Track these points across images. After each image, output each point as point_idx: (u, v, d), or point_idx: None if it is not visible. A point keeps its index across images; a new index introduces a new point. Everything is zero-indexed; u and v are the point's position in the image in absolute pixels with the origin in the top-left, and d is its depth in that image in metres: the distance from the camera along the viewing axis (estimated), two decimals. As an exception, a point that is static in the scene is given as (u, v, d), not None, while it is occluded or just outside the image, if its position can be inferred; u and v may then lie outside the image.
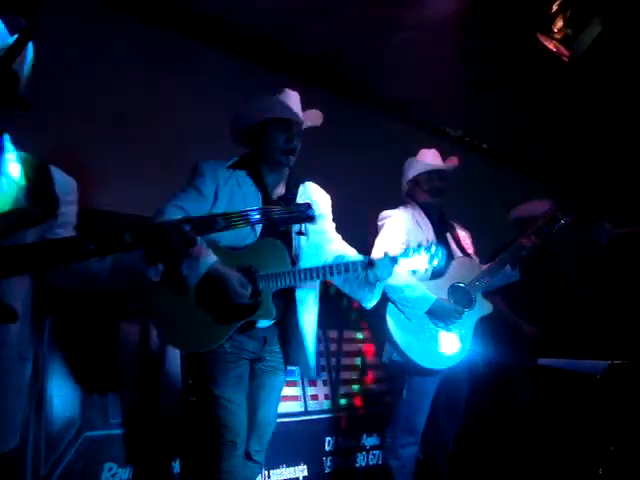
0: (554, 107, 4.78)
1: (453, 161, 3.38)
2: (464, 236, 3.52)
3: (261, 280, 2.43)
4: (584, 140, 5.35)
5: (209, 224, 1.80)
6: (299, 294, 2.58)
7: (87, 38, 3.20)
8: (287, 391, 2.74)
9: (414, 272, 2.97)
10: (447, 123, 5.31)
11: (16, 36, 1.58)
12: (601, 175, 5.75)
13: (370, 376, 4.49)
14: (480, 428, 3.99)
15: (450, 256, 3.31)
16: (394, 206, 3.38)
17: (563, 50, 3.36)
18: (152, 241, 1.70)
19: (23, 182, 1.75)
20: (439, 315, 3.14)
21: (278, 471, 3.72)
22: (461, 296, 3.22)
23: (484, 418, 4.02)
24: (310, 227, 2.58)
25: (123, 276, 1.81)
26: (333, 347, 4.31)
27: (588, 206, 5.22)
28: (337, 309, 4.31)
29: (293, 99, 2.66)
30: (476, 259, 3.45)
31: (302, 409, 4.02)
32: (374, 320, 4.47)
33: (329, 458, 4.09)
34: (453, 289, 3.23)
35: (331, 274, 2.52)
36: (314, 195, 2.68)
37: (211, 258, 2.34)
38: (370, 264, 2.54)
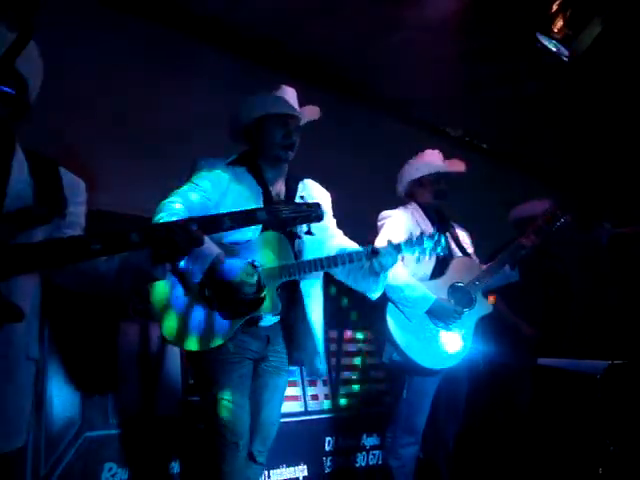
0: (554, 107, 4.78)
1: (460, 166, 3.37)
2: (464, 236, 3.52)
3: (264, 274, 2.41)
4: (584, 140, 5.35)
5: (216, 223, 1.79)
6: (304, 287, 2.56)
7: (87, 38, 3.20)
8: (287, 391, 2.73)
9: (418, 260, 2.97)
10: (447, 123, 5.31)
11: (16, 35, 1.59)
12: (601, 175, 5.75)
13: (370, 376, 4.49)
14: (480, 428, 3.99)
15: (450, 256, 3.31)
16: (394, 206, 3.38)
17: (563, 50, 3.36)
18: (158, 241, 1.70)
19: (31, 181, 1.75)
20: (439, 315, 3.14)
21: (278, 471, 3.72)
22: (461, 296, 3.22)
23: (484, 418, 4.02)
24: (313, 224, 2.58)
25: (130, 276, 1.81)
26: (333, 347, 4.31)
27: (588, 206, 5.22)
28: (337, 309, 4.31)
29: (290, 95, 2.67)
30: (476, 259, 3.45)
31: (302, 409, 4.02)
32: (374, 320, 4.48)
33: (329, 458, 4.09)
34: (453, 289, 3.23)
35: (335, 265, 2.50)
36: (314, 192, 2.69)
37: (215, 250, 2.32)
38: (374, 252, 2.52)
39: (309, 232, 2.21)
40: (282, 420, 2.74)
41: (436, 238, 2.67)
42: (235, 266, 2.34)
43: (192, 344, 2.43)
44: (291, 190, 2.64)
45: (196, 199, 2.46)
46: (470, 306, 3.21)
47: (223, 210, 2.41)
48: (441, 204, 3.42)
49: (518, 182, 5.69)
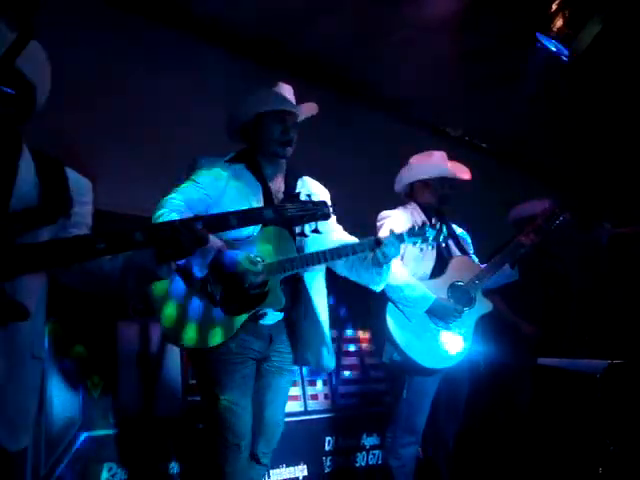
0: (554, 107, 4.78)
1: (467, 174, 3.37)
2: (463, 235, 3.52)
3: (267, 269, 2.40)
4: (584, 140, 5.35)
5: (221, 222, 1.79)
6: (308, 280, 2.56)
7: (87, 38, 3.20)
8: (287, 391, 2.74)
9: (421, 250, 2.97)
10: (447, 123, 5.31)
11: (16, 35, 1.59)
12: (601, 175, 5.75)
13: (370, 376, 4.49)
14: (480, 428, 3.99)
15: (449, 255, 3.32)
16: (394, 206, 3.37)
17: (563, 49, 3.36)
18: (163, 240, 1.70)
19: (37, 181, 1.75)
20: (439, 314, 3.14)
21: (278, 471, 3.72)
22: (461, 295, 3.22)
23: (484, 418, 4.02)
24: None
25: (134, 275, 1.81)
26: (333, 347, 4.31)
27: (588, 206, 5.22)
28: (337, 309, 4.31)
29: (287, 91, 2.68)
30: (475, 258, 3.45)
31: (302, 409, 4.02)
32: (374, 320, 4.47)
33: (329, 458, 4.09)
34: (452, 288, 3.23)
35: (339, 256, 2.50)
36: (313, 189, 2.69)
37: (217, 243, 2.30)
38: (377, 243, 2.52)
39: (316, 230, 2.17)
40: (283, 420, 2.74)
41: (438, 227, 2.67)
42: (238, 256, 2.33)
43: (193, 341, 2.41)
44: (290, 187, 2.64)
45: (196, 196, 2.46)
46: (470, 305, 3.21)
47: (223, 207, 2.42)
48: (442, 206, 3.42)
49: (518, 182, 5.69)
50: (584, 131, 5.19)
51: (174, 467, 3.31)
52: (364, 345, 4.52)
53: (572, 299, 4.28)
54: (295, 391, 3.99)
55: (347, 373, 4.39)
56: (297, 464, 3.85)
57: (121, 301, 3.23)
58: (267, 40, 3.97)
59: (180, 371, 3.47)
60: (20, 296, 1.63)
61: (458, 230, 3.51)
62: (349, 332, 4.46)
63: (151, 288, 2.43)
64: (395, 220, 3.26)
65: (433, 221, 2.71)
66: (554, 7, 3.32)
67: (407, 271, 3.15)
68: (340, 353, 4.37)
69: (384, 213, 3.31)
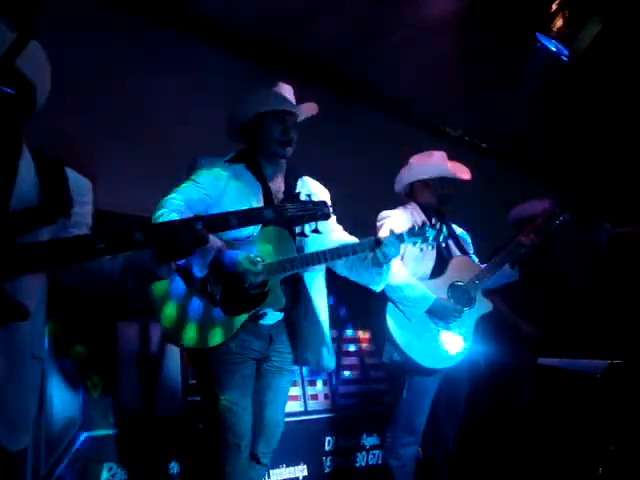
0: (554, 107, 4.78)
1: (467, 174, 3.37)
2: (463, 235, 3.52)
3: (267, 269, 2.39)
4: (584, 140, 5.35)
5: (221, 222, 1.78)
6: (308, 280, 2.55)
7: (87, 38, 3.20)
8: (287, 391, 2.74)
9: (421, 250, 2.98)
10: (447, 123, 5.32)
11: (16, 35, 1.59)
12: (601, 175, 5.75)
13: (370, 376, 4.49)
14: (480, 428, 3.99)
15: (449, 255, 3.32)
16: (394, 206, 3.37)
17: (563, 49, 3.36)
18: (163, 240, 1.70)
19: (37, 181, 1.76)
20: (439, 314, 3.14)
21: (278, 471, 3.72)
22: (460, 295, 3.22)
23: (484, 418, 4.02)
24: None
25: (134, 275, 1.81)
26: (333, 347, 4.31)
27: (588, 206, 5.22)
28: (337, 309, 4.31)
29: (287, 91, 2.69)
30: (475, 258, 3.45)
31: (302, 409, 4.02)
32: (374, 320, 4.47)
33: (329, 458, 4.09)
34: (452, 288, 3.22)
35: (339, 256, 2.49)
36: (313, 189, 2.68)
37: (217, 243, 2.30)
38: (378, 243, 2.52)
39: (316, 230, 2.16)
40: (283, 420, 2.74)
41: (438, 227, 2.68)
42: (238, 256, 2.33)
43: (193, 341, 2.41)
44: (290, 186, 2.64)
45: (196, 196, 2.46)
46: (470, 305, 3.21)
47: (223, 207, 2.42)
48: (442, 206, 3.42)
49: (518, 182, 5.69)
50: (584, 131, 5.19)
51: (174, 467, 3.31)
52: (364, 345, 4.52)
53: (572, 299, 4.28)
54: (295, 391, 3.99)
55: (347, 373, 4.39)
56: (297, 464, 3.85)
57: (121, 301, 3.23)
58: (267, 40, 3.97)
59: (180, 371, 3.47)
60: (20, 296, 1.63)
61: (458, 230, 3.51)
62: (349, 332, 4.46)
63: (151, 288, 2.43)
64: (395, 220, 3.26)
65: (433, 221, 2.71)
66: (554, 7, 3.32)
67: (407, 271, 3.16)
68: (340, 353, 4.36)
69: (384, 213, 3.31)
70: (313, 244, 2.56)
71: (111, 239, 1.66)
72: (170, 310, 2.42)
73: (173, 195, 2.44)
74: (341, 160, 4.14)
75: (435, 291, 3.16)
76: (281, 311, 2.52)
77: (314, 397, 4.12)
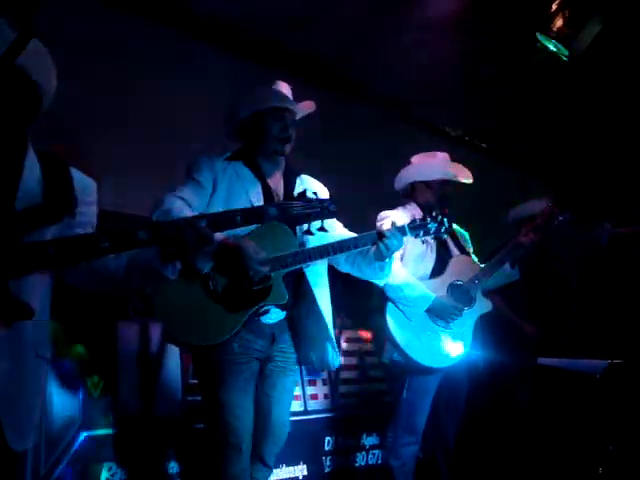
0: (554, 107, 4.78)
1: (469, 177, 3.36)
2: (463, 235, 3.52)
3: (269, 263, 2.36)
4: (584, 139, 5.35)
5: (226, 220, 1.78)
6: (310, 276, 2.54)
7: (87, 38, 3.20)
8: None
9: (423, 242, 2.97)
10: (447, 123, 5.32)
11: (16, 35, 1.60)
12: (601, 175, 5.75)
13: (370, 376, 4.49)
14: (480, 427, 3.99)
15: (449, 255, 3.32)
16: (394, 206, 3.37)
17: (563, 49, 3.36)
18: (167, 238, 1.69)
19: (42, 181, 1.76)
20: (439, 313, 3.14)
21: (277, 470, 3.71)
22: (460, 294, 3.22)
23: (484, 417, 4.02)
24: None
25: (138, 274, 1.81)
26: (335, 345, 4.31)
27: (588, 206, 5.22)
28: (336, 308, 4.30)
29: (285, 89, 2.68)
30: (475, 258, 3.45)
31: (302, 408, 4.02)
32: (374, 320, 4.47)
33: (329, 457, 4.10)
34: (452, 288, 3.23)
35: (341, 250, 2.48)
36: (312, 186, 2.68)
37: (219, 236, 2.25)
38: (380, 235, 2.51)
39: (322, 229, 2.12)
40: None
41: (439, 219, 2.68)
42: (244, 245, 2.30)
43: (200, 339, 2.39)
44: (290, 184, 2.64)
45: (196, 193, 2.45)
46: (469, 304, 3.21)
47: (223, 204, 2.43)
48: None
49: (518, 182, 5.69)
50: (584, 131, 5.19)
51: (174, 467, 3.31)
52: (364, 345, 4.52)
53: (572, 299, 4.28)
54: (295, 391, 3.97)
55: (347, 373, 4.38)
56: (297, 464, 3.85)
57: (121, 301, 3.23)
58: (267, 40, 3.97)
59: (180, 371, 3.46)
60: (25, 295, 1.64)
61: (458, 229, 3.51)
62: (349, 332, 4.45)
63: (155, 289, 2.42)
64: (395, 220, 3.26)
65: (434, 214, 2.71)
66: (554, 7, 3.32)
67: (407, 271, 3.16)
68: (340, 353, 4.36)
69: (384, 213, 3.30)
70: (314, 240, 2.55)
71: (115, 238, 1.66)
72: (170, 308, 2.40)
73: (173, 193, 2.43)
74: (341, 160, 4.14)
75: (435, 291, 3.16)
76: (283, 309, 2.51)
77: (314, 397, 4.12)
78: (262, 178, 2.58)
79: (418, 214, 3.31)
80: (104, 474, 3.05)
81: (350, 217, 2.86)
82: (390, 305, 3.16)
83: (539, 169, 6.08)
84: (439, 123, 5.29)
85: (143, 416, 3.25)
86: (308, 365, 2.69)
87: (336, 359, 2.61)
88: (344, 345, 4.40)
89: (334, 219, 2.68)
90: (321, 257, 2.47)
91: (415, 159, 3.46)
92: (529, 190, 5.10)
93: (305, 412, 4.03)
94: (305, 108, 2.75)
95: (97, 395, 3.12)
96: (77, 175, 1.86)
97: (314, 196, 2.03)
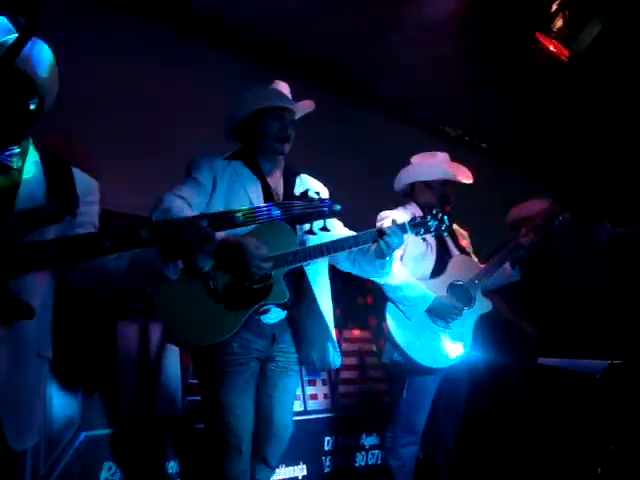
0: (554, 106, 4.78)
1: (469, 177, 3.36)
2: (463, 235, 3.52)
3: (271, 260, 2.34)
4: (584, 139, 5.36)
5: (227, 220, 1.78)
6: (311, 275, 2.53)
7: (87, 38, 3.20)
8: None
9: (424, 240, 2.96)
10: (447, 123, 5.32)
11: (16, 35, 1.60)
12: (601, 175, 5.76)
13: (370, 376, 4.49)
14: (480, 428, 3.99)
15: (449, 255, 3.32)
16: (394, 206, 3.37)
17: (563, 49, 3.36)
18: (168, 238, 1.69)
19: (44, 181, 1.77)
20: (439, 313, 3.13)
21: (277, 470, 3.69)
22: (460, 294, 3.22)
23: (484, 418, 4.02)
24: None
25: (140, 274, 1.81)
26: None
27: (588, 206, 5.22)
28: (337, 309, 4.30)
29: (284, 89, 2.68)
30: (475, 258, 3.45)
31: (301, 408, 4.02)
32: (374, 320, 4.48)
33: (328, 457, 4.09)
34: (452, 287, 3.23)
35: (342, 248, 2.48)
36: (312, 186, 2.67)
37: (220, 234, 2.23)
38: (380, 233, 2.51)
39: (325, 228, 2.11)
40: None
41: (439, 217, 2.68)
42: (245, 242, 2.29)
43: (200, 338, 2.38)
44: (289, 183, 2.63)
45: (195, 192, 2.45)
46: (469, 304, 3.21)
47: (222, 202, 2.42)
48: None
49: (518, 182, 5.69)
50: (584, 131, 5.19)
51: (174, 467, 3.31)
52: (364, 345, 4.52)
53: (572, 299, 4.28)
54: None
55: (347, 373, 4.38)
56: (297, 464, 3.85)
57: (121, 301, 3.23)
58: (267, 40, 3.97)
59: (180, 371, 3.46)
60: (25, 295, 1.64)
61: (458, 229, 3.51)
62: (349, 332, 4.45)
63: (155, 288, 2.42)
64: (395, 218, 3.26)
65: (434, 211, 2.71)
66: (554, 7, 3.32)
67: (407, 271, 3.16)
68: (340, 353, 4.36)
69: (384, 213, 3.30)
70: (315, 240, 2.54)
71: (116, 237, 1.67)
72: (170, 308, 2.39)
73: (172, 192, 2.43)
74: (341, 160, 4.14)
75: (435, 291, 3.16)
76: (284, 308, 2.50)
77: (314, 397, 4.12)
78: (262, 177, 2.58)
79: (418, 214, 3.32)
80: (104, 474, 3.05)
81: (350, 217, 2.86)
82: (390, 305, 3.16)
83: (539, 169, 6.08)
84: (439, 123, 5.29)
85: (143, 416, 3.25)
86: (309, 365, 2.67)
87: (337, 359, 2.60)
88: (344, 345, 4.40)
89: (334, 218, 2.69)
90: (322, 255, 2.46)
91: (415, 159, 3.45)
92: (529, 190, 5.09)
93: (305, 412, 4.03)
94: (304, 107, 2.76)
95: (96, 395, 3.12)
96: (79, 175, 1.87)
97: (316, 196, 2.02)
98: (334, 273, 2.74)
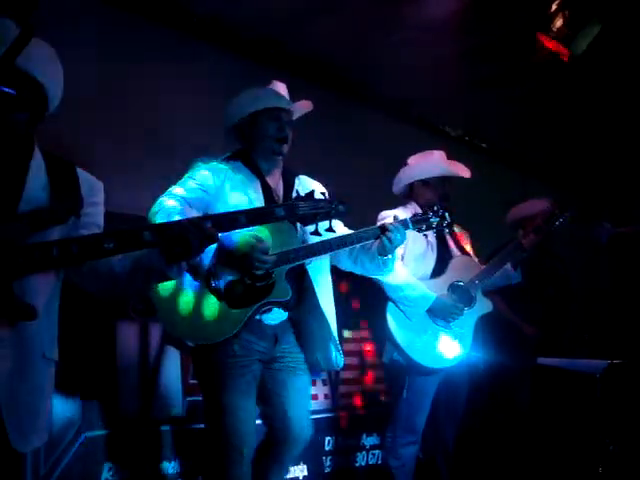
0: (554, 106, 4.79)
1: (466, 172, 3.37)
2: (463, 235, 3.52)
3: (272, 256, 2.33)
4: (584, 139, 5.36)
5: (231, 221, 1.77)
6: (313, 274, 2.52)
7: (87, 38, 3.20)
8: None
9: (425, 236, 2.97)
10: (447, 123, 5.32)
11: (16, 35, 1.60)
12: (601, 175, 5.76)
13: (370, 376, 4.49)
14: (480, 428, 3.99)
15: (449, 255, 3.32)
16: (394, 206, 3.37)
17: (562, 49, 3.37)
18: (172, 239, 1.69)
19: (48, 182, 1.76)
20: (439, 313, 3.13)
21: (278, 471, 3.71)
22: (461, 295, 3.22)
23: (484, 418, 4.02)
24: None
25: (142, 275, 1.80)
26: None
27: (588, 205, 5.22)
28: (337, 309, 4.30)
29: (281, 89, 2.68)
30: (475, 258, 3.45)
31: (302, 409, 4.01)
32: (374, 320, 4.47)
33: (329, 458, 4.09)
34: (453, 288, 3.22)
35: (344, 244, 2.47)
36: (312, 187, 2.66)
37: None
38: (383, 229, 2.51)
39: (330, 229, 2.07)
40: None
41: (441, 214, 2.69)
42: (244, 237, 2.27)
43: (196, 337, 2.37)
44: (289, 184, 2.63)
45: (194, 191, 2.44)
46: (470, 305, 3.21)
47: (222, 201, 2.41)
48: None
49: (518, 182, 5.69)
50: (584, 130, 5.19)
51: (174, 467, 3.31)
52: (364, 345, 4.52)
53: (572, 299, 4.28)
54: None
55: (347, 373, 4.38)
56: (297, 464, 3.84)
57: (121, 301, 3.23)
58: (267, 40, 3.97)
59: (180, 371, 3.46)
60: (29, 296, 1.64)
61: (458, 230, 3.51)
62: (349, 332, 4.45)
63: (155, 289, 2.40)
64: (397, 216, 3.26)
65: (435, 208, 2.71)
66: (554, 7, 3.33)
67: (407, 271, 3.16)
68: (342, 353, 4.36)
69: (384, 213, 3.30)
70: (315, 239, 2.53)
71: (120, 238, 1.66)
72: (175, 315, 2.38)
73: (171, 191, 2.43)
74: (341, 160, 4.14)
75: (435, 291, 3.16)
76: (285, 309, 2.49)
77: (314, 397, 4.11)
78: (261, 177, 2.57)
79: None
80: (104, 474, 3.05)
81: (350, 217, 2.86)
82: (390, 305, 3.15)
83: (539, 169, 6.08)
84: (439, 123, 5.29)
85: (143, 416, 3.25)
86: (314, 366, 2.64)
87: (340, 359, 2.59)
88: (344, 345, 4.40)
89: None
90: (324, 252, 2.44)
91: (412, 160, 3.46)
92: (529, 190, 5.10)
93: (305, 412, 4.03)
94: (302, 108, 2.75)
95: (96, 395, 3.11)
96: (83, 175, 1.87)
97: (322, 196, 2.02)
98: (336, 273, 2.74)
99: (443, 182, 3.34)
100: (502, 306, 3.81)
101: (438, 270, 3.25)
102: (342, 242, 2.47)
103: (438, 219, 2.67)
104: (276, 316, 2.49)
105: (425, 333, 3.14)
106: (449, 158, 3.41)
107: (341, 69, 4.35)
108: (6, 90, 1.64)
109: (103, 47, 3.28)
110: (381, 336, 3.26)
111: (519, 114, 4.85)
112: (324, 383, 4.22)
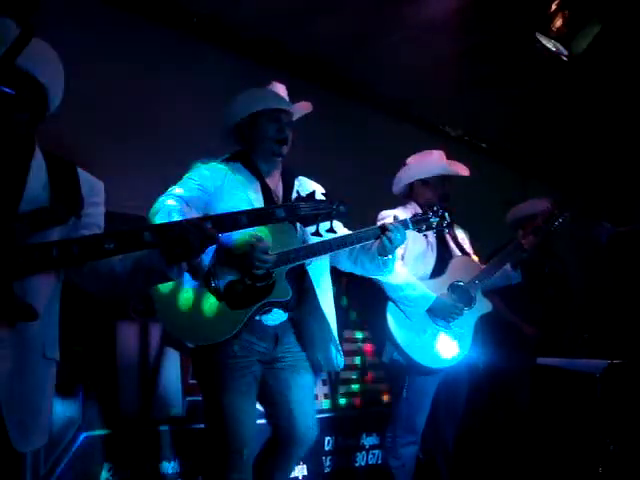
0: (554, 106, 4.79)
1: (465, 171, 3.37)
2: (463, 236, 3.52)
3: (272, 255, 2.33)
4: (584, 139, 5.36)
5: (231, 222, 1.77)
6: (313, 275, 2.52)
7: (87, 38, 3.20)
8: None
9: (425, 236, 2.97)
10: (447, 123, 5.32)
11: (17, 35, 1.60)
12: (601, 174, 5.76)
13: (370, 376, 4.49)
14: (480, 428, 3.99)
15: (449, 255, 3.32)
16: (394, 206, 3.37)
17: (562, 49, 3.37)
18: (172, 240, 1.69)
19: (49, 182, 1.76)
20: (440, 313, 3.13)
21: (278, 471, 3.71)
22: (460, 295, 3.22)
23: (484, 418, 4.02)
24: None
25: (143, 276, 1.80)
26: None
27: (587, 205, 5.22)
28: (337, 309, 4.30)
29: (281, 90, 2.69)
30: (475, 258, 3.45)
31: (302, 409, 4.01)
32: (374, 320, 4.47)
33: (329, 457, 4.10)
34: (452, 288, 3.23)
35: (344, 244, 2.47)
36: (311, 188, 2.67)
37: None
38: (383, 229, 2.51)
39: (331, 230, 2.07)
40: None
41: (440, 214, 2.69)
42: (244, 235, 2.26)
43: (196, 337, 2.37)
44: (288, 185, 2.63)
45: (193, 191, 2.44)
46: (470, 305, 3.21)
47: (221, 201, 2.41)
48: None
49: (518, 182, 5.69)
50: (583, 130, 5.19)
51: (174, 467, 3.31)
52: (364, 345, 4.52)
53: (572, 299, 4.28)
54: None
55: (347, 373, 4.38)
56: (297, 464, 3.84)
57: (121, 302, 3.23)
58: (267, 40, 3.97)
59: (180, 371, 3.46)
60: (30, 297, 1.64)
61: (458, 230, 3.51)
62: (349, 332, 4.45)
63: (155, 288, 2.40)
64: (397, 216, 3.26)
65: (435, 208, 2.71)
66: (554, 7, 3.32)
67: (407, 271, 3.16)
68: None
69: (384, 213, 3.30)
70: (316, 239, 2.53)
71: (120, 239, 1.66)
72: (176, 315, 2.38)
73: (169, 192, 2.43)
74: (341, 160, 4.14)
75: (435, 291, 3.16)
76: (286, 310, 2.49)
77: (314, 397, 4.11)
78: (261, 178, 2.57)
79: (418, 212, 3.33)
80: (104, 474, 3.05)
81: (349, 217, 2.86)
82: (390, 305, 3.15)
83: (539, 169, 6.08)
84: (439, 123, 5.29)
85: (142, 416, 3.25)
86: (315, 366, 2.64)
87: (340, 360, 2.59)
88: (344, 345, 4.40)
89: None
90: (324, 252, 2.44)
91: (411, 160, 3.46)
92: (529, 190, 5.10)
93: (305, 412, 4.03)
94: (301, 109, 2.75)
95: (96, 395, 3.12)
96: (84, 176, 1.87)
97: (323, 197, 2.01)
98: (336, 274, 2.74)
99: (443, 181, 3.34)
100: (502, 306, 3.81)
101: (438, 270, 3.25)
102: (342, 242, 2.47)
103: (438, 219, 2.68)
104: (276, 317, 2.48)
105: (425, 333, 3.14)
106: (449, 158, 3.41)
107: (341, 69, 4.35)
108: (6, 90, 1.64)
109: (103, 47, 3.28)
110: (380, 336, 3.25)
111: (519, 114, 4.85)
112: (324, 383, 4.22)
